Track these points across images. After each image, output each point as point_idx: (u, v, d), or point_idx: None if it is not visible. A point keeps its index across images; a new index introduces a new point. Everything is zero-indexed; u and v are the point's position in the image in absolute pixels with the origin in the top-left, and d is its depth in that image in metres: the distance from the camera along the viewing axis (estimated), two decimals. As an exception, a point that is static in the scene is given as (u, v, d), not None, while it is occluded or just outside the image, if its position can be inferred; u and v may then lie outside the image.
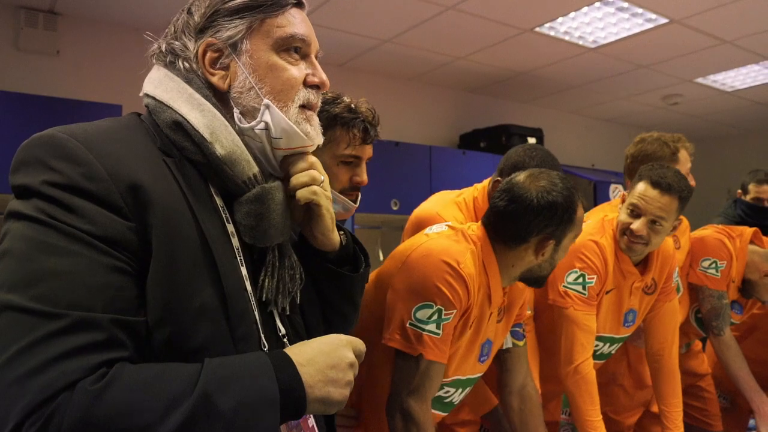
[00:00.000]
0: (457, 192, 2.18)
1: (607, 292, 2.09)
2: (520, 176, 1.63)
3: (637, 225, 2.01)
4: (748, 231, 2.60)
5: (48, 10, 3.83)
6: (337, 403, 0.86)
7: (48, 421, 0.68)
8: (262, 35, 0.97)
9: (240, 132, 0.96)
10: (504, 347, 1.83)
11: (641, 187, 2.03)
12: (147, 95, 0.99)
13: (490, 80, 5.35)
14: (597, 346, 2.14)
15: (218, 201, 0.95)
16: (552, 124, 5.77)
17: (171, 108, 0.94)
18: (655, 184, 1.99)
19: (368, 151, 1.58)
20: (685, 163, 2.42)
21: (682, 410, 2.22)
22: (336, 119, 1.51)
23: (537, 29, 4.30)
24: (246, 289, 0.93)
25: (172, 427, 0.71)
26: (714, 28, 4.33)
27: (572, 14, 4.10)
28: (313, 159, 1.02)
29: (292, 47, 1.00)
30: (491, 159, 4.94)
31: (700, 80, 5.48)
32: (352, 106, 1.54)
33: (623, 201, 2.13)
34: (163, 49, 0.99)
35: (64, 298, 0.74)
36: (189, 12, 1.00)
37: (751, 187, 3.57)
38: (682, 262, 2.49)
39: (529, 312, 2.09)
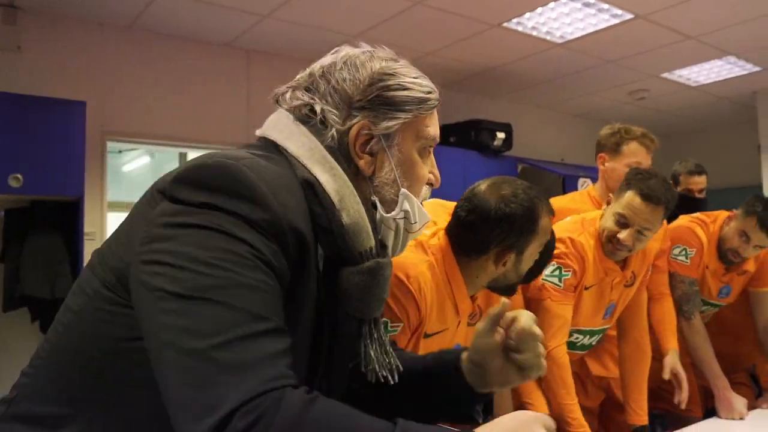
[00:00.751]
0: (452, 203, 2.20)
1: (588, 288, 2.14)
2: (483, 185, 1.60)
3: (624, 235, 2.04)
4: (723, 215, 2.67)
5: (8, 3, 3.74)
6: None
7: (260, 417, 0.68)
8: (412, 131, 0.99)
9: (379, 220, 0.98)
10: None
11: (630, 197, 2.03)
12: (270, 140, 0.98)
13: (459, 76, 5.37)
14: (577, 338, 2.20)
15: (320, 264, 0.94)
16: (521, 119, 5.81)
17: (303, 165, 0.93)
18: (645, 197, 2.01)
19: None
20: (629, 156, 2.48)
21: (660, 396, 2.34)
22: None
23: (505, 24, 4.33)
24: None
25: None
26: (678, 23, 4.40)
27: (539, 9, 4.13)
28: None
29: (428, 147, 1.03)
30: (461, 154, 4.96)
31: (665, 75, 5.57)
32: None
33: (608, 203, 2.15)
34: (302, 103, 0.97)
35: (262, 306, 0.76)
36: (340, 77, 0.97)
37: (682, 178, 3.52)
38: (657, 251, 2.53)
39: None
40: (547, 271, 2.05)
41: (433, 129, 1.03)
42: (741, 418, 2.34)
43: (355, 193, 0.93)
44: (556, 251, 2.03)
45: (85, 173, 3.55)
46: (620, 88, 5.91)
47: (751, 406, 2.62)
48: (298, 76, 1.01)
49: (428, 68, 4.19)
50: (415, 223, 1.01)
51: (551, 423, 0.87)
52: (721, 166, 7.41)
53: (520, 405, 2.10)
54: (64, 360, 0.88)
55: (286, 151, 0.94)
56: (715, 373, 2.48)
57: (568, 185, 5.53)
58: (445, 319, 1.61)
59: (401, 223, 1.00)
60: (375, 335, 1.01)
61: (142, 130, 4.35)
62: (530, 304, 2.12)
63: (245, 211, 0.80)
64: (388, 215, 0.98)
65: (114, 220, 5.42)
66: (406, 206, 0.99)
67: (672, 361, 2.35)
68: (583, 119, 6.71)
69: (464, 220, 1.57)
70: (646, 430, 2.19)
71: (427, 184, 1.05)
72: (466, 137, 5.08)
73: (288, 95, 0.99)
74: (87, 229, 3.94)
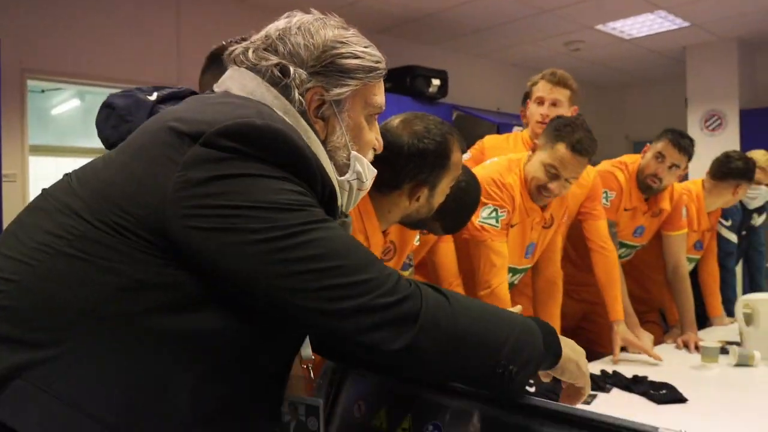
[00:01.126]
0: None
1: (512, 226, 2.25)
2: (395, 121, 1.61)
3: (554, 186, 2.16)
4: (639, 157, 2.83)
5: None
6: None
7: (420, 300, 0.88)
8: (361, 98, 1.04)
9: None
10: None
11: (561, 150, 2.13)
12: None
13: (395, 21, 5.31)
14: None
15: None
16: (457, 66, 5.82)
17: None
18: (575, 150, 2.12)
19: None
20: (536, 93, 2.68)
21: (578, 334, 2.49)
22: None
23: (441, -31, 4.29)
24: None
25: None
26: (611, -26, 4.44)
27: (475, -45, 4.10)
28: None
29: (374, 114, 1.09)
30: (395, 100, 4.95)
31: (599, 27, 5.63)
32: None
33: (533, 149, 2.24)
34: (272, 63, 0.99)
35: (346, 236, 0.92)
36: (295, 42, 1.00)
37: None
38: (583, 197, 2.62)
39: None
40: (484, 213, 2.16)
41: (380, 97, 1.08)
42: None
43: (327, 156, 1.01)
44: (489, 193, 2.13)
45: (0, 112, 3.40)
46: (556, 39, 5.96)
47: (658, 342, 2.80)
48: (253, 37, 1.04)
49: (364, 13, 4.17)
50: (366, 181, 1.09)
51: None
52: (651, 118, 7.64)
53: None
54: (50, 293, 0.85)
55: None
56: (627, 310, 2.62)
57: (502, 133, 5.59)
58: None
59: (354, 183, 1.07)
60: None
61: (65, 68, 4.18)
62: (468, 245, 2.20)
63: (293, 168, 0.88)
64: (342, 178, 1.04)
65: (40, 164, 5.23)
66: (358, 167, 1.06)
67: (621, 331, 2.47)
68: (520, 68, 6.75)
69: (377, 156, 1.58)
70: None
71: (372, 149, 1.11)
72: (401, 83, 5.06)
73: (251, 54, 1.01)
74: (5, 170, 3.80)
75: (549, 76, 2.68)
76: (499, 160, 2.34)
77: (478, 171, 2.17)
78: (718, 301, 3.20)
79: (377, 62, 1.04)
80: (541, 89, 2.68)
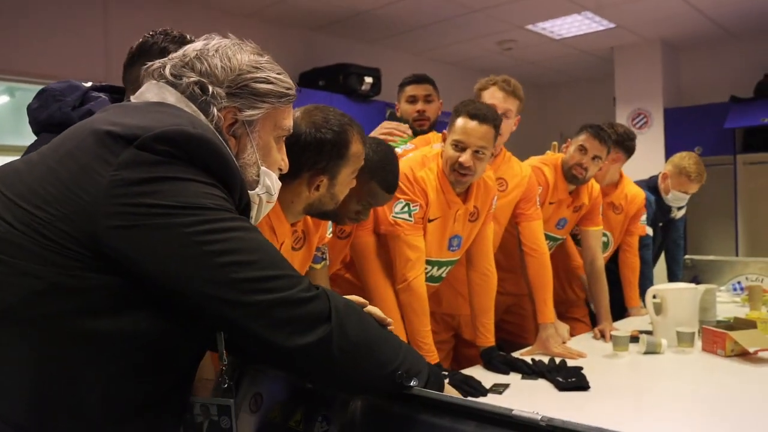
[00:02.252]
0: None
1: (431, 221, 2.28)
2: (296, 112, 1.63)
3: (464, 158, 2.18)
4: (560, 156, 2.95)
5: None
6: None
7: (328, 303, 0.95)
8: (271, 120, 1.11)
9: None
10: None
11: (461, 122, 2.19)
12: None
13: (328, 19, 5.30)
14: (427, 269, 2.32)
15: None
16: (391, 65, 5.84)
17: None
18: (473, 117, 2.17)
19: None
20: (487, 99, 2.55)
21: (501, 327, 2.59)
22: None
23: (371, -33, 4.30)
24: None
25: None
26: (537, -25, 4.53)
27: (404, -47, 4.13)
28: None
29: (282, 136, 1.16)
30: (328, 97, 4.95)
31: (530, 27, 5.75)
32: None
33: (444, 140, 2.25)
34: (193, 80, 1.04)
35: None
36: (212, 63, 1.06)
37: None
38: (518, 198, 2.70)
39: None
40: (397, 208, 2.19)
41: (288, 121, 1.16)
42: (563, 342, 2.58)
43: (244, 179, 1.06)
44: (401, 188, 2.15)
45: None
46: (488, 38, 6.06)
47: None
48: (171, 55, 1.09)
49: (296, 10, 4.15)
50: (274, 194, 1.16)
51: None
52: (583, 116, 7.83)
53: None
54: None
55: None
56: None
57: (437, 131, 5.65)
58: None
59: (264, 197, 1.13)
60: None
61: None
62: (386, 240, 2.23)
63: (222, 177, 0.95)
64: (253, 192, 1.10)
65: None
66: (267, 182, 1.12)
67: (545, 337, 2.53)
68: (453, 67, 6.84)
69: None
70: (494, 351, 2.36)
71: (278, 169, 1.17)
72: (334, 81, 5.06)
73: (169, 69, 1.05)
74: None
75: (502, 84, 2.61)
76: (412, 156, 2.37)
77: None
78: (636, 293, 3.32)
79: (288, 89, 1.11)
80: (493, 97, 2.57)
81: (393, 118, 3.54)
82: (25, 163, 0.97)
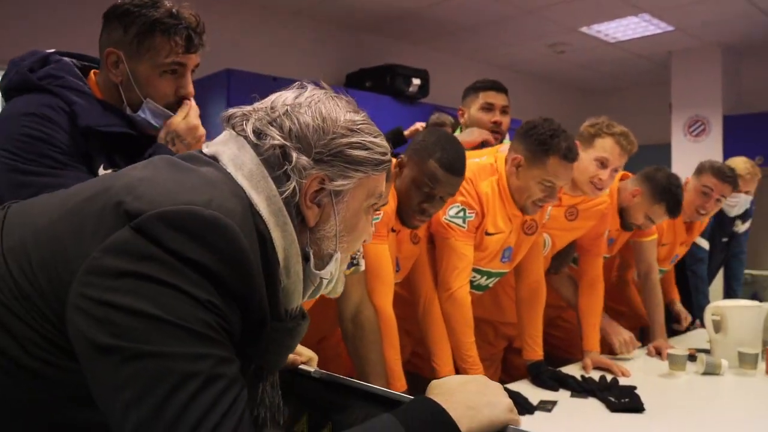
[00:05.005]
0: None
1: (490, 234, 2.19)
2: None
3: (551, 198, 2.16)
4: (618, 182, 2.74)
5: None
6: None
7: None
8: (363, 189, 0.96)
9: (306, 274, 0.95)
10: None
11: (554, 164, 2.06)
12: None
13: (377, 18, 5.24)
14: (475, 277, 2.26)
15: None
16: (438, 66, 5.75)
17: (260, 215, 0.87)
18: (567, 159, 2.06)
19: (193, 60, 1.48)
20: (599, 150, 2.36)
21: (546, 340, 2.45)
22: (155, 25, 1.39)
23: (421, -34, 4.23)
24: None
25: None
26: (594, -24, 4.40)
27: (455, -47, 4.05)
28: None
29: (374, 204, 1.01)
30: (374, 99, 4.90)
31: (584, 30, 5.60)
32: (174, 11, 1.42)
33: (517, 166, 2.13)
34: (277, 143, 0.90)
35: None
36: (303, 122, 0.91)
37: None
38: (586, 230, 2.60)
39: None
40: (452, 212, 2.12)
41: (381, 188, 1.00)
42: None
43: (299, 252, 0.92)
44: (461, 190, 2.07)
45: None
46: (540, 40, 5.92)
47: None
48: (255, 105, 0.95)
49: (345, 9, 4.10)
50: (328, 289, 1.01)
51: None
52: (635, 123, 7.60)
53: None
54: None
55: (244, 192, 0.88)
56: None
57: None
58: None
59: (324, 282, 0.98)
60: (275, 381, 1.01)
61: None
62: (435, 241, 2.17)
63: (227, 277, 0.77)
64: (317, 272, 0.95)
65: None
66: (332, 268, 0.97)
67: (592, 358, 2.45)
68: (503, 70, 6.70)
69: None
70: (542, 365, 2.27)
71: (363, 240, 1.03)
72: (381, 82, 4.99)
73: (251, 126, 0.92)
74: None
75: (621, 140, 2.37)
76: (478, 161, 2.23)
77: None
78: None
79: (384, 154, 0.97)
80: (605, 149, 2.34)
81: (436, 123, 3.45)
82: (41, 201, 0.91)
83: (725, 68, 6.20)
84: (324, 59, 5.28)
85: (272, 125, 0.91)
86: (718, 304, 2.57)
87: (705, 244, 3.33)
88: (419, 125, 3.47)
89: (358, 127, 0.94)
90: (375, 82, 5.03)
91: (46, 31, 4.06)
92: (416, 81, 5.07)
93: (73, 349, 0.76)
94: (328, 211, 0.94)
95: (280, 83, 4.37)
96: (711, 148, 6.17)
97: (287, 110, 0.92)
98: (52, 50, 1.53)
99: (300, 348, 1.25)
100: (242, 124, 0.92)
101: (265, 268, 0.84)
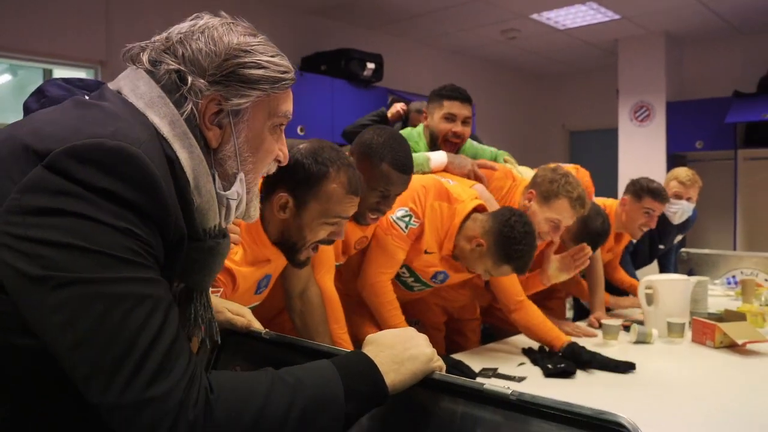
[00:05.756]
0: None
1: (428, 253, 2.24)
2: (307, 142, 1.65)
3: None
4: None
5: None
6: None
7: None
8: (264, 109, 0.99)
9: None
10: None
11: (564, 207, 2.36)
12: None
13: (333, 2, 5.29)
14: (404, 273, 2.33)
15: None
16: (393, 51, 5.84)
17: (165, 138, 0.90)
18: (574, 207, 2.38)
19: None
20: (555, 211, 2.43)
21: (491, 313, 2.72)
22: None
23: (375, -48, 4.28)
24: None
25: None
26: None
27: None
28: None
29: (280, 124, 1.03)
30: (329, 82, 4.96)
31: (534, 16, 5.74)
32: None
33: (477, 246, 2.16)
34: (172, 68, 0.93)
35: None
36: (196, 47, 0.94)
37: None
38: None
39: None
40: (399, 213, 2.17)
41: (285, 106, 1.03)
42: None
43: (208, 171, 0.94)
44: (414, 199, 2.15)
45: None
46: (492, 26, 6.04)
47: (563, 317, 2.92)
48: (153, 38, 0.98)
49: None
50: (240, 211, 1.04)
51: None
52: (583, 108, 7.84)
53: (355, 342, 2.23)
54: None
55: (148, 119, 0.91)
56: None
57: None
58: None
59: (232, 203, 1.01)
60: (205, 301, 1.06)
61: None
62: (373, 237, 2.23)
63: (141, 203, 0.81)
64: (224, 193, 0.99)
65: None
66: (239, 188, 1.01)
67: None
68: (456, 55, 6.82)
69: None
70: (574, 345, 2.25)
71: (276, 160, 1.06)
72: (336, 66, 5.06)
73: (147, 56, 0.95)
74: None
75: (576, 205, 2.41)
76: (445, 182, 2.30)
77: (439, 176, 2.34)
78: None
79: (284, 72, 0.99)
80: (561, 211, 2.40)
81: (418, 110, 3.52)
82: None
83: (669, 56, 6.43)
84: (279, 43, 5.22)
85: (166, 53, 0.95)
86: (650, 278, 2.74)
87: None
88: (400, 108, 3.56)
89: (252, 47, 0.97)
90: (330, 66, 5.09)
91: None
92: (371, 65, 5.15)
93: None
94: (229, 132, 0.97)
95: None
96: (655, 132, 6.42)
97: (181, 38, 0.96)
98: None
99: (236, 307, 1.32)
100: (139, 56, 0.96)
101: (176, 189, 0.88)
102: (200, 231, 0.95)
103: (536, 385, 2.01)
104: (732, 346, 2.39)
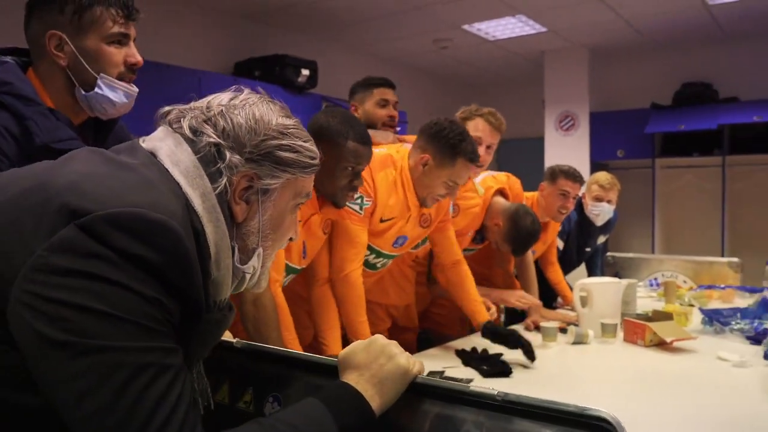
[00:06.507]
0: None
1: (384, 221, 2.30)
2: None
3: (453, 194, 2.35)
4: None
5: None
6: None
7: None
8: (290, 189, 1.01)
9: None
10: None
11: (461, 165, 2.24)
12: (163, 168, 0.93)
13: (267, 8, 5.25)
14: (367, 254, 2.35)
15: None
16: (328, 58, 5.84)
17: (195, 210, 0.91)
18: (473, 162, 2.27)
19: (133, 30, 1.47)
20: (473, 131, 2.58)
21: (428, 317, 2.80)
22: None
23: (311, -42, 4.28)
24: None
25: None
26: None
27: (345, -53, 4.14)
28: None
29: (300, 203, 1.06)
30: (263, 88, 4.78)
31: (466, 27, 5.87)
32: None
33: (424, 164, 2.26)
34: (212, 141, 0.94)
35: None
36: (236, 122, 0.95)
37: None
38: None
39: None
40: None
41: (308, 188, 1.06)
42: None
43: (230, 246, 0.96)
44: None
45: None
46: (425, 36, 6.14)
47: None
48: (192, 104, 0.99)
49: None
50: (252, 283, 1.05)
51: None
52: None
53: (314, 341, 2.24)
54: None
55: (181, 189, 0.91)
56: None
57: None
58: None
59: (247, 277, 1.02)
60: (200, 370, 1.07)
61: None
62: (333, 225, 2.24)
63: (171, 275, 0.82)
64: (241, 266, 1.00)
65: None
66: (256, 263, 1.02)
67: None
68: (388, 63, 6.89)
69: None
70: (491, 324, 2.41)
71: (289, 238, 1.08)
72: (270, 72, 5.01)
73: (188, 123, 0.96)
74: None
75: (489, 117, 2.71)
76: (377, 152, 2.31)
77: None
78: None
79: (313, 158, 1.02)
80: (477, 129, 2.68)
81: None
82: None
83: (592, 69, 6.72)
84: (212, 48, 5.21)
85: (207, 123, 0.95)
86: (584, 282, 2.85)
87: (560, 244, 3.64)
88: None
89: (289, 131, 0.99)
90: (264, 72, 5.04)
91: None
92: (305, 72, 5.14)
93: (9, 337, 0.79)
94: (255, 208, 0.99)
95: (170, 71, 4.27)
96: (579, 141, 6.67)
97: (222, 110, 0.96)
98: None
99: None
100: (179, 121, 0.96)
101: (199, 261, 0.88)
102: (211, 303, 0.95)
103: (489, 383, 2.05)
104: (661, 344, 2.51)
